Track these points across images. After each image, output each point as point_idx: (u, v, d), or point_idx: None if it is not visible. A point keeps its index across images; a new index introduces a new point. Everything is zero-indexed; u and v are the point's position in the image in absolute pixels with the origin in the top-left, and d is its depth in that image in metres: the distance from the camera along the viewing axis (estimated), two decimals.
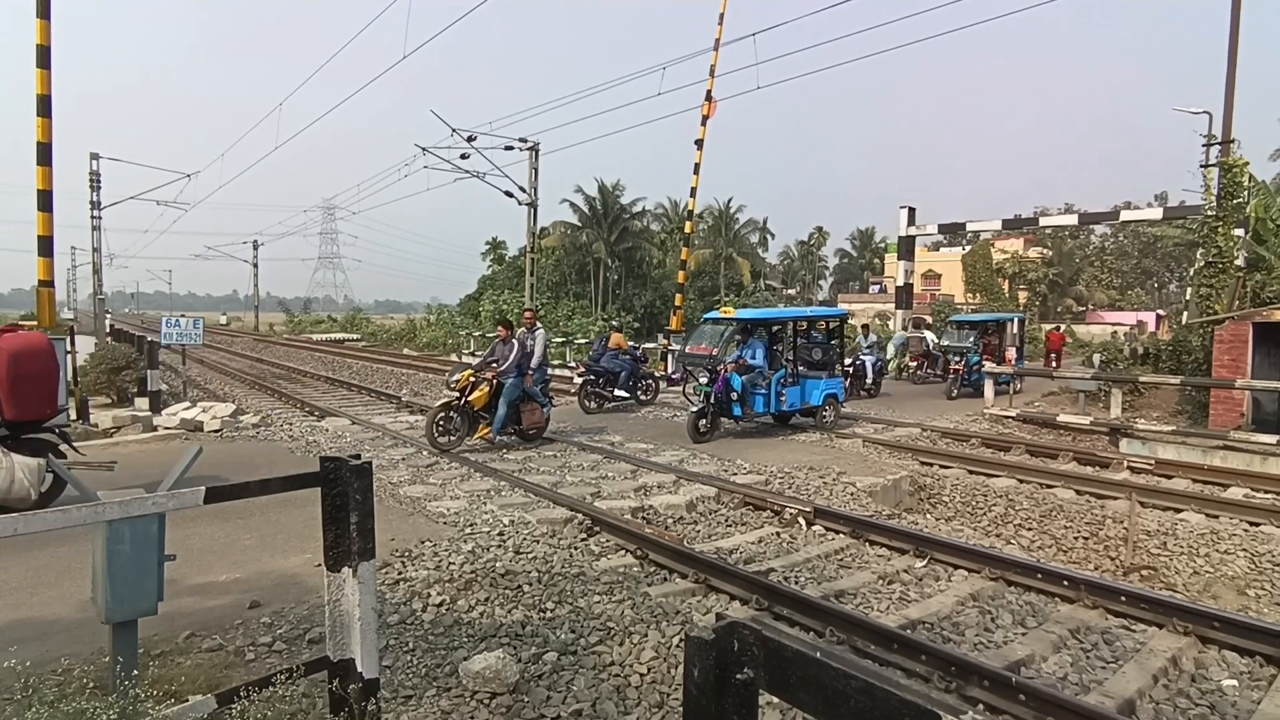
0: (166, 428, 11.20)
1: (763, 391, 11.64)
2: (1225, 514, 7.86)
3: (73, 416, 11.33)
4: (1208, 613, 5.04)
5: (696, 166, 22.21)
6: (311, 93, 25.80)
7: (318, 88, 25.97)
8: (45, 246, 11.89)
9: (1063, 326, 38.77)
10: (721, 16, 20.69)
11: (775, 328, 12.75)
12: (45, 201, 11.76)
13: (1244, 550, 7.09)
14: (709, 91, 21.20)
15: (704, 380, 11.24)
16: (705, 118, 21.56)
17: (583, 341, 27.70)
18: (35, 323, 12.31)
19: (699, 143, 21.99)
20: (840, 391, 12.89)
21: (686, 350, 12.05)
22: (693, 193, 22.99)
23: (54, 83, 11.72)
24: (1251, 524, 7.53)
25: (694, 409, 11.23)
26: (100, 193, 27.00)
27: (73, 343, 11.88)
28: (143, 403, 12.89)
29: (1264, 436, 10.41)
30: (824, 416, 12.43)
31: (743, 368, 11.36)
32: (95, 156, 26.46)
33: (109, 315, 33.70)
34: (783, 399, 11.85)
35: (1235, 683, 4.38)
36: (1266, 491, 8.85)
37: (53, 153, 11.71)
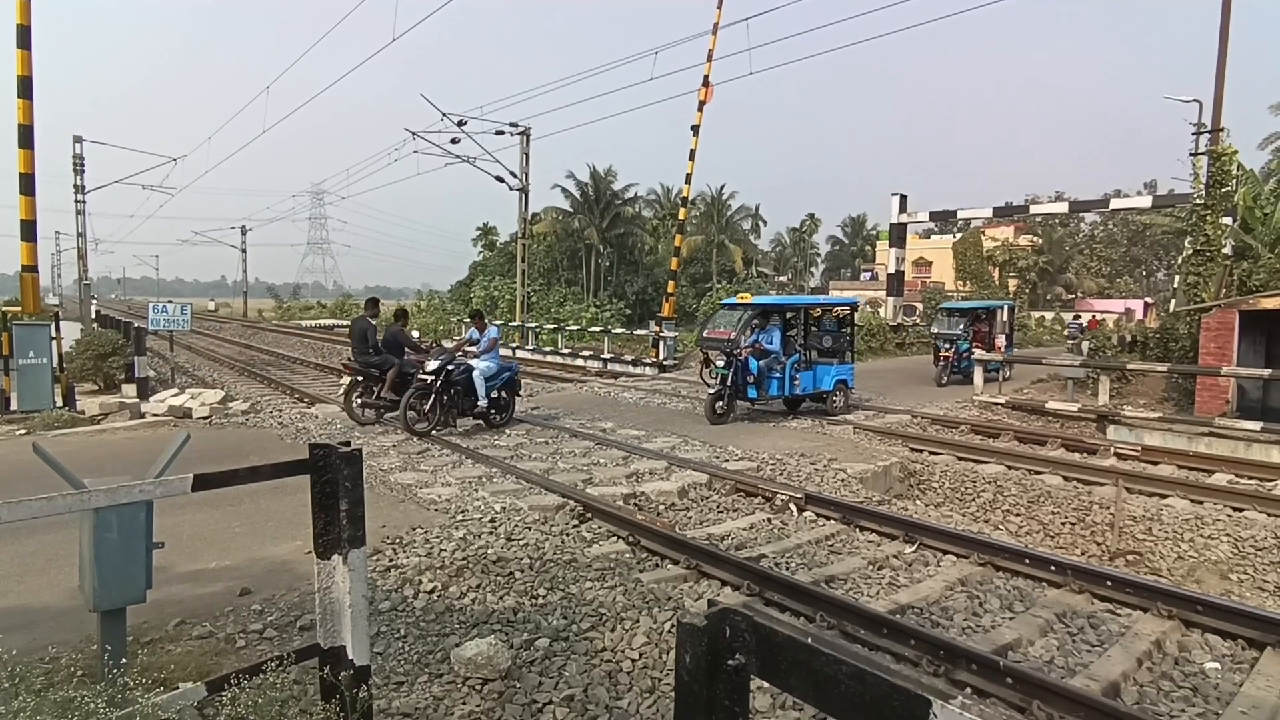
0: (154, 415, 11.12)
1: (778, 375, 11.88)
2: (1209, 499, 7.95)
3: (59, 403, 11.24)
4: (1191, 597, 5.11)
5: (692, 153, 22.08)
6: (300, 76, 25.50)
7: (306, 71, 25.66)
8: (28, 231, 11.74)
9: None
10: (720, 1, 20.50)
11: (790, 314, 13.01)
12: (27, 185, 11.60)
13: (1227, 535, 7.19)
14: (706, 77, 21.02)
15: (721, 364, 11.50)
16: (702, 103, 21.39)
17: (574, 329, 27.68)
18: (19, 308, 12.17)
19: (695, 129, 21.84)
20: (850, 378, 13.10)
21: (705, 335, 12.36)
22: (688, 179, 22.88)
23: (35, 64, 11.52)
24: (1235, 509, 7.62)
25: (711, 391, 11.57)
26: (84, 176, 26.66)
27: (58, 329, 11.74)
28: (130, 389, 12.78)
29: (1248, 423, 10.51)
30: (834, 401, 12.64)
31: (759, 352, 11.56)
32: (78, 140, 26.08)
33: (95, 301, 33.35)
34: (796, 383, 12.10)
35: (1218, 665, 4.45)
36: (1250, 477, 8.96)
37: (34, 135, 11.53)
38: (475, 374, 10.19)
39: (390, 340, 10.96)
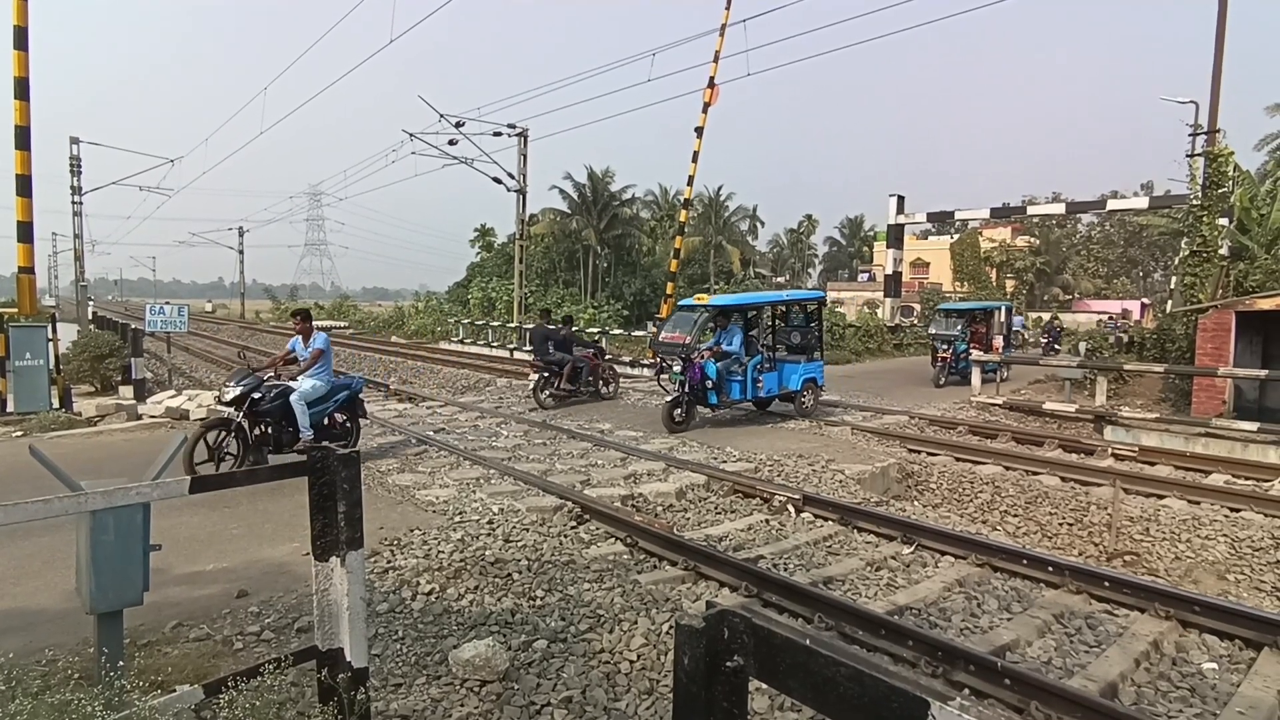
0: (151, 416, 11.10)
1: (739, 378, 11.40)
2: (1206, 500, 7.97)
3: (55, 405, 11.22)
4: (1189, 597, 5.11)
5: (695, 154, 21.95)
6: (298, 77, 25.48)
7: (304, 73, 25.65)
8: (25, 232, 11.70)
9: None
10: (729, 1, 20.38)
11: (751, 313, 12.52)
12: (24, 186, 11.57)
13: (1224, 536, 7.20)
14: (711, 78, 20.87)
15: (678, 369, 10.95)
16: (707, 105, 21.22)
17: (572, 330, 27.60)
18: (16, 310, 12.14)
19: (699, 130, 21.71)
20: (820, 375, 12.68)
21: (660, 339, 11.71)
22: (690, 181, 22.80)
23: (32, 64, 11.49)
24: (1232, 510, 7.63)
25: (668, 398, 11.08)
26: (81, 178, 26.60)
27: (54, 330, 11.72)
28: (127, 391, 12.76)
29: (1245, 424, 10.54)
30: (803, 402, 12.22)
31: (718, 355, 11.16)
32: (75, 141, 26.05)
33: (92, 302, 33.30)
34: (759, 385, 11.63)
35: (1215, 665, 4.45)
36: (1246, 478, 8.98)
37: (31, 137, 11.50)
38: (293, 398, 7.83)
39: (562, 341, 13.80)
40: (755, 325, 12.56)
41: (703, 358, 10.93)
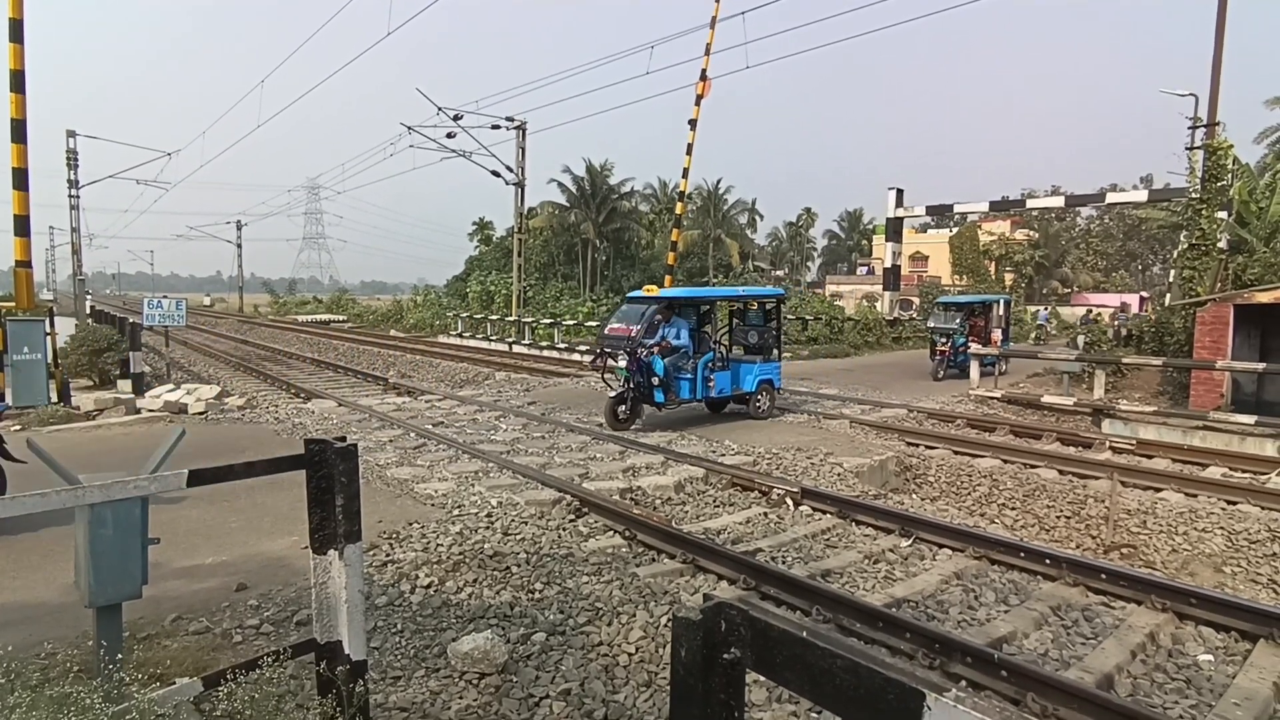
0: (150, 410, 11.09)
1: (688, 376, 10.70)
2: (1204, 493, 7.98)
3: (54, 399, 11.21)
4: (1185, 590, 5.14)
5: (689, 147, 21.97)
6: (295, 71, 25.37)
7: (302, 66, 25.52)
8: (22, 226, 11.66)
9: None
10: None
11: (704, 308, 11.83)
12: (21, 180, 11.52)
13: (1221, 528, 7.22)
14: (704, 70, 20.91)
15: (622, 364, 10.29)
16: (699, 97, 21.28)
17: (570, 323, 27.64)
18: (14, 304, 12.11)
19: (692, 123, 21.72)
20: (777, 377, 12.01)
21: (605, 331, 11.04)
22: (685, 173, 22.79)
23: (29, 58, 11.43)
24: (1229, 503, 7.65)
25: (612, 394, 10.50)
26: (78, 171, 26.52)
27: (52, 324, 11.70)
28: (125, 385, 12.75)
29: (1242, 417, 10.56)
30: (758, 404, 11.57)
31: (666, 350, 10.36)
32: (72, 134, 25.95)
33: (89, 296, 33.24)
34: (710, 384, 10.91)
35: (1211, 657, 4.48)
36: (1244, 471, 9.00)
37: (27, 130, 11.46)
38: None
39: None
40: (708, 321, 11.87)
41: (650, 353, 10.21)
